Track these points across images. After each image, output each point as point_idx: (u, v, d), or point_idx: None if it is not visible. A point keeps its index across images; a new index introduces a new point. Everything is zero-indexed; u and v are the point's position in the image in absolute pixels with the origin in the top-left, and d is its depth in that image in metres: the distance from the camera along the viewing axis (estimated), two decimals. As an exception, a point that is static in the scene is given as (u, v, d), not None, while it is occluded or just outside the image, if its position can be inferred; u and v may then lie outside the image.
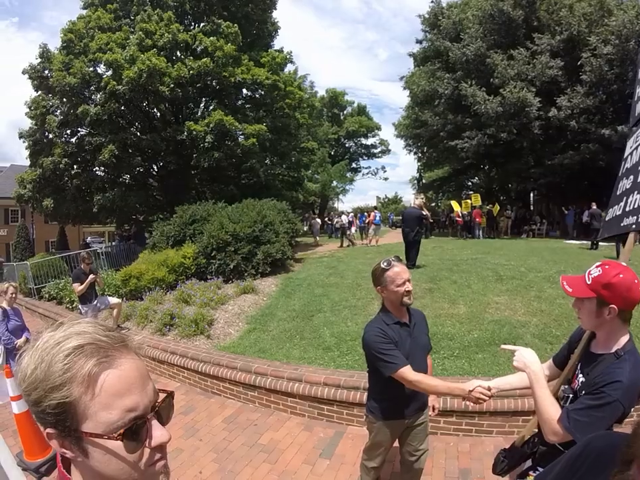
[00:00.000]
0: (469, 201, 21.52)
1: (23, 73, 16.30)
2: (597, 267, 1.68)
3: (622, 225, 2.26)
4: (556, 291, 6.85)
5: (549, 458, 1.66)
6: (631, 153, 2.44)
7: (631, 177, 2.31)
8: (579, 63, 18.45)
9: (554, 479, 1.00)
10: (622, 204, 2.33)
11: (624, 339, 1.65)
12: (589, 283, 1.66)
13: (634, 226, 2.11)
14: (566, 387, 1.81)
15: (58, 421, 0.68)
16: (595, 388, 1.57)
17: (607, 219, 2.64)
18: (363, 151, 45.56)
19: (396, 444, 2.72)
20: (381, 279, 2.44)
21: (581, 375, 1.75)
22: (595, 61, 17.79)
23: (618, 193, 2.48)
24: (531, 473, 1.89)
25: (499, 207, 21.84)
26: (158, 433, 0.72)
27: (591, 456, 0.89)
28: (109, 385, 0.68)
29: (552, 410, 1.65)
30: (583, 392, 1.65)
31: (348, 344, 5.59)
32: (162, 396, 0.79)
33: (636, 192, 2.19)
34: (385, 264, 2.42)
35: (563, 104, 18.57)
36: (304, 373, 4.74)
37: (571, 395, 1.75)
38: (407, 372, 2.24)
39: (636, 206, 2.14)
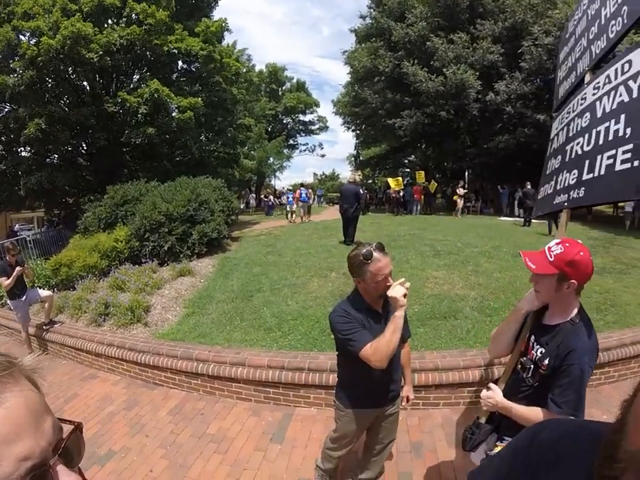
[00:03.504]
0: (399, 178, 21.99)
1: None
2: (557, 244, 1.77)
3: (554, 203, 2.38)
4: (492, 265, 7.17)
5: (514, 427, 1.81)
6: (557, 134, 2.61)
7: (559, 156, 2.44)
8: (519, 51, 19.20)
9: (505, 474, 0.93)
10: (552, 183, 2.47)
11: (576, 308, 1.81)
12: (551, 260, 1.74)
13: (566, 203, 2.24)
14: (525, 359, 1.93)
15: None
16: (561, 363, 1.71)
17: (538, 197, 2.79)
18: (300, 127, 45.00)
19: None
20: (360, 271, 2.18)
21: (538, 346, 1.87)
22: (535, 50, 18.61)
23: (547, 173, 2.64)
24: (498, 443, 2.01)
25: (435, 184, 22.47)
26: None
27: (542, 447, 0.85)
28: None
29: (534, 413, 1.76)
30: (546, 361, 1.78)
31: (289, 323, 5.53)
32: (68, 430, 0.64)
33: (565, 171, 2.30)
34: (365, 255, 2.13)
35: (500, 89, 19.33)
36: (247, 357, 4.63)
37: (532, 366, 1.87)
38: (369, 350, 2.10)
39: (566, 184, 2.26)
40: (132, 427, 4.15)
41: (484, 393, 2.01)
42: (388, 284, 2.18)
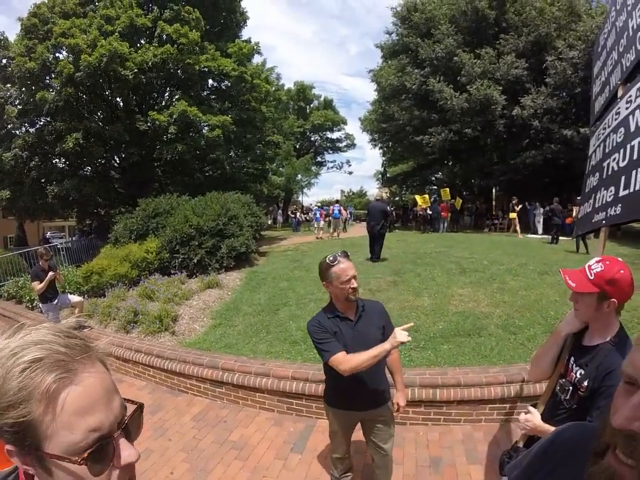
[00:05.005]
0: (426, 196, 21.89)
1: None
2: (597, 262, 1.74)
3: (593, 221, 2.34)
4: (518, 283, 7.07)
5: None
6: (595, 151, 2.53)
7: (597, 174, 2.39)
8: (544, 66, 18.98)
9: (525, 469, 0.99)
10: (591, 201, 2.41)
11: (616, 328, 1.76)
12: (591, 278, 1.72)
13: (604, 221, 2.20)
14: (564, 380, 1.89)
15: (17, 440, 0.62)
16: (600, 384, 1.66)
17: (579, 216, 2.74)
18: (328, 144, 45.31)
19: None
20: (326, 274, 2.39)
21: (577, 368, 1.83)
22: (559, 64, 18.38)
23: (587, 191, 2.58)
24: None
25: (460, 201, 22.26)
26: (126, 453, 0.68)
27: (562, 447, 0.89)
28: (70, 403, 0.62)
29: None
30: (585, 382, 1.74)
31: (314, 337, 5.57)
32: (131, 409, 0.74)
33: (603, 188, 2.26)
34: (331, 259, 2.38)
35: (526, 103, 19.11)
36: (271, 368, 4.70)
37: (570, 388, 1.82)
38: (339, 358, 2.27)
39: (604, 202, 2.21)
40: (155, 430, 4.26)
41: (522, 416, 1.98)
42: (352, 286, 2.35)
